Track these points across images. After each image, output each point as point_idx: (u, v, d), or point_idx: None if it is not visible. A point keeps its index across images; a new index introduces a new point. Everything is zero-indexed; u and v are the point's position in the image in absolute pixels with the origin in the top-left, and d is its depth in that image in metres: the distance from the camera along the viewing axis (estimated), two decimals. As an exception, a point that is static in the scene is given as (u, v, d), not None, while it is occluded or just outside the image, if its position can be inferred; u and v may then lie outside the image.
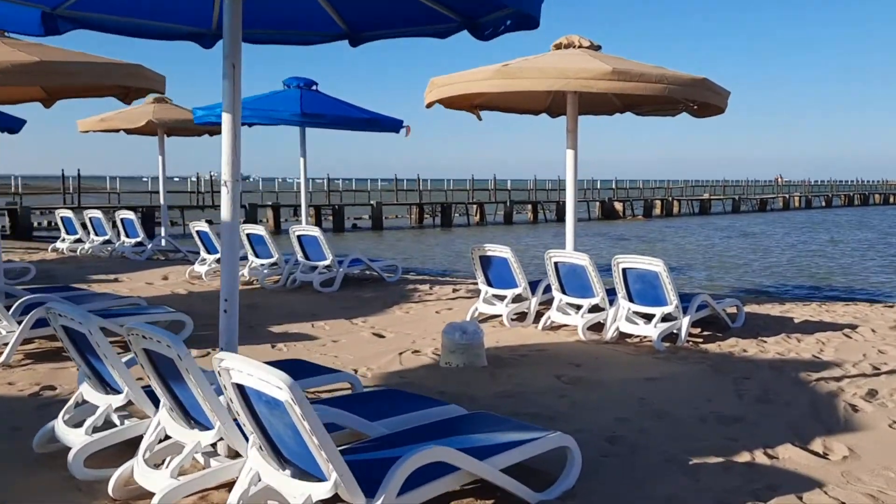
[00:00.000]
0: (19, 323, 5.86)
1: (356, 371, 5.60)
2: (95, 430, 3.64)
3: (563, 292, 7.30)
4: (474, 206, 41.24)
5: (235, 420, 3.10)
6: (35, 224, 28.47)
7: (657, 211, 50.82)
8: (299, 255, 9.87)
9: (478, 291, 7.93)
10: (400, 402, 4.04)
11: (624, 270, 6.77)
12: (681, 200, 53.86)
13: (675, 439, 4.21)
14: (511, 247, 7.56)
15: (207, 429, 3.22)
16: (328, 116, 9.87)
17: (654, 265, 6.52)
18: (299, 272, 9.69)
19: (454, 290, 9.53)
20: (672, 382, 5.44)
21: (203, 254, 10.87)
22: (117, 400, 3.73)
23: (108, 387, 3.84)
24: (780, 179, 77.38)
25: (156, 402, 3.52)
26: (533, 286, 7.67)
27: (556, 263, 7.24)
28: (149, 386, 3.57)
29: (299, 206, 35.23)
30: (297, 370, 4.70)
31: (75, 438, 3.60)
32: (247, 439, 3.05)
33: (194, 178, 41.46)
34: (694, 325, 7.10)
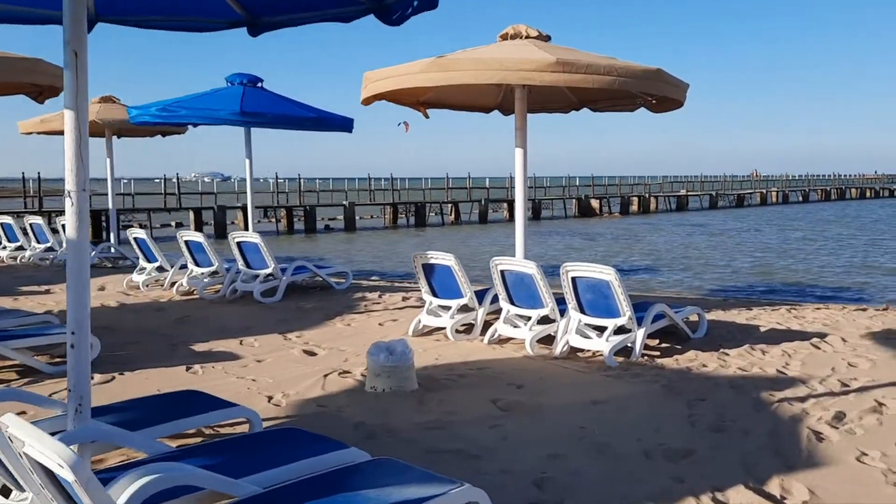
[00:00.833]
0: None
1: (271, 398, 5.02)
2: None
3: (511, 303, 6.76)
4: (449, 206, 40.68)
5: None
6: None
7: (634, 208, 50.55)
8: (240, 263, 9.25)
9: (426, 301, 7.38)
10: (292, 447, 3.47)
11: (573, 279, 6.24)
12: (658, 197, 53.64)
13: (612, 482, 3.67)
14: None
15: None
16: (270, 115, 9.27)
17: (605, 273, 5.99)
18: (240, 281, 9.08)
19: (403, 299, 8.96)
20: (619, 406, 4.90)
21: (142, 262, 10.23)
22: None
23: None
24: (756, 174, 77.57)
25: None
26: (481, 295, 7.12)
27: (502, 272, 6.69)
28: None
29: (272, 207, 34.51)
30: (191, 404, 4.13)
31: None
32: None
33: (173, 179, 40.44)
34: (652, 336, 6.60)
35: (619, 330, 6.17)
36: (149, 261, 10.08)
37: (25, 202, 29.96)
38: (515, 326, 6.69)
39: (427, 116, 8.18)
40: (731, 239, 29.84)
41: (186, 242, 9.46)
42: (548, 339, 6.53)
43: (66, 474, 2.02)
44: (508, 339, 6.72)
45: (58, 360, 5.80)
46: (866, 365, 5.88)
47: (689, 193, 58.01)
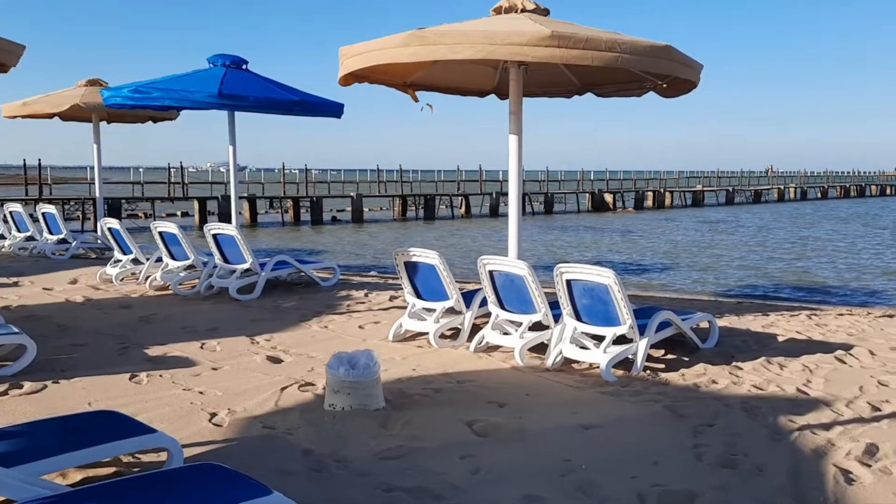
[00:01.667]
0: None
1: (213, 416, 4.39)
2: None
3: (501, 307, 6.10)
4: (459, 199, 39.97)
5: None
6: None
7: (649, 203, 49.64)
8: (217, 258, 8.63)
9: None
10: (203, 492, 2.83)
11: (568, 282, 5.56)
12: (673, 192, 52.64)
13: (595, 537, 3.01)
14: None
15: None
16: (251, 98, 8.61)
17: (604, 277, 5.30)
18: (216, 277, 8.46)
19: (391, 299, 8.30)
20: (614, 433, 4.23)
21: (117, 254, 9.64)
22: None
23: None
24: (771, 170, 76.19)
25: None
26: (469, 297, 6.45)
27: (490, 272, 6.02)
28: None
29: (277, 197, 34.03)
30: (101, 429, 3.50)
31: None
32: None
33: (192, 168, 39.89)
34: (656, 346, 5.92)
35: (620, 340, 5.50)
36: (123, 252, 9.49)
37: (26, 190, 29.54)
38: (505, 333, 6.03)
39: (416, 100, 7.51)
40: (748, 236, 28.97)
41: (161, 234, 8.85)
42: (541, 348, 5.87)
43: None
44: (497, 348, 6.06)
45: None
46: (900, 384, 5.17)
47: (704, 189, 56.93)
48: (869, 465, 3.76)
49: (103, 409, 4.48)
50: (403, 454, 3.85)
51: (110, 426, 3.47)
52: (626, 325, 5.39)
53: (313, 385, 5.03)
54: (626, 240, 27.24)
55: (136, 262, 9.37)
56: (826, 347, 6.22)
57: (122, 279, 9.27)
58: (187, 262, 8.75)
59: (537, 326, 5.89)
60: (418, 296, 6.57)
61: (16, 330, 5.40)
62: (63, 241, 12.15)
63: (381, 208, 40.55)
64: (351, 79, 6.46)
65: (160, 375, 5.26)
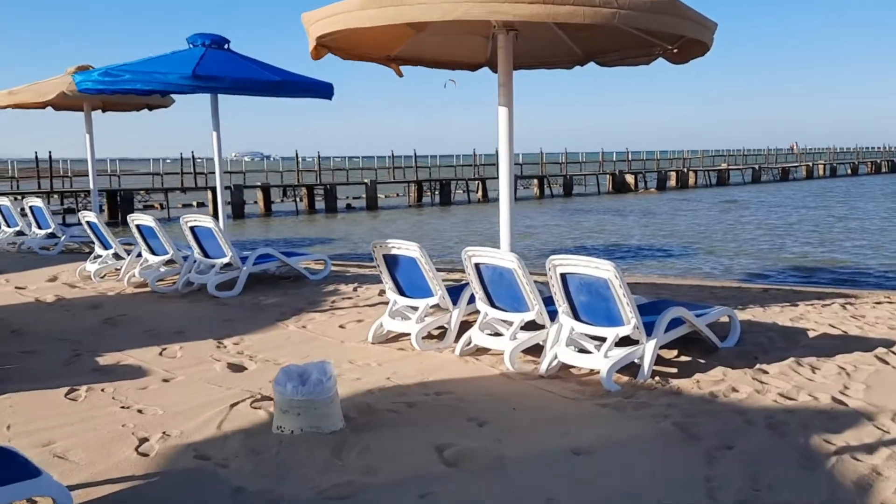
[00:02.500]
0: None
1: (143, 443, 3.77)
2: None
3: (491, 304, 5.41)
4: (476, 183, 39.18)
5: None
6: None
7: (672, 183, 48.48)
8: (196, 252, 8.03)
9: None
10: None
11: (563, 276, 4.86)
12: (697, 171, 51.35)
13: None
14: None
15: None
16: (228, 79, 7.96)
17: (602, 269, 4.59)
18: (194, 272, 7.86)
19: (381, 293, 7.64)
20: (610, 460, 3.54)
21: (97, 249, 9.09)
22: None
23: None
24: (795, 147, 74.18)
25: None
26: (457, 293, 5.77)
27: (477, 265, 5.33)
28: None
29: (291, 185, 33.55)
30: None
31: None
32: None
33: (198, 158, 39.44)
34: (669, 346, 5.20)
35: (624, 341, 4.79)
36: (104, 247, 8.93)
37: (39, 183, 29.32)
38: (495, 334, 5.34)
39: (400, 74, 6.82)
40: (775, 216, 27.93)
41: (138, 227, 8.27)
42: (537, 350, 5.18)
43: None
44: (487, 350, 5.38)
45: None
46: (954, 391, 4.41)
47: (730, 167, 55.50)
48: (925, 504, 3.04)
49: (21, 432, 3.91)
50: (353, 493, 3.20)
51: (7, 468, 2.85)
52: (629, 325, 4.68)
53: (270, 400, 4.39)
54: (645, 222, 26.36)
55: (117, 257, 8.81)
56: (865, 344, 5.45)
57: (104, 276, 8.72)
58: (166, 257, 8.16)
59: (532, 326, 5.21)
60: (401, 292, 5.91)
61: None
62: (52, 235, 11.66)
63: (396, 195, 39.92)
64: (323, 50, 5.77)
65: (102, 390, 4.66)
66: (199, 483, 3.31)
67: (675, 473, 3.37)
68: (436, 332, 5.84)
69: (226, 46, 8.88)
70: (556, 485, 3.26)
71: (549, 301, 5.16)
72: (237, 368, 5.14)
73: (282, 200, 36.37)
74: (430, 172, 41.23)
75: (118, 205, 28.16)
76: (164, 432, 3.89)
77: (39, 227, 11.84)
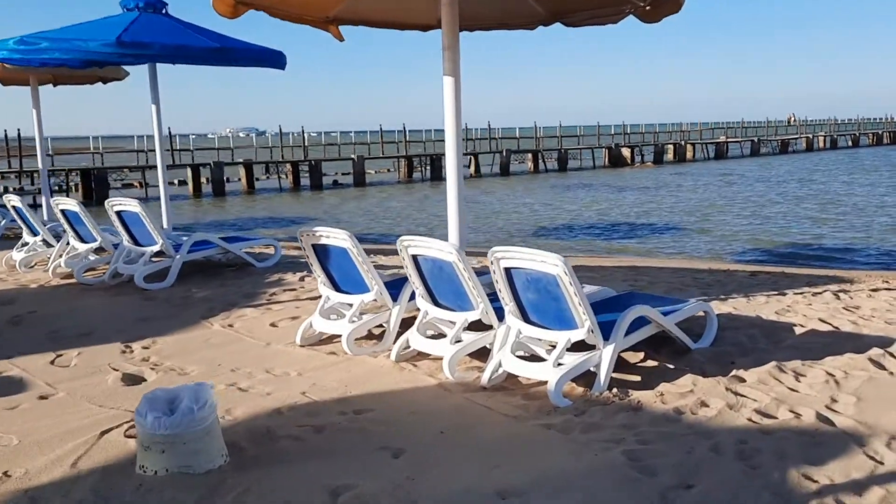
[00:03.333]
0: None
1: (-25, 485, 3.09)
2: None
3: (434, 301, 4.72)
4: (468, 158, 38.33)
5: None
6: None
7: (669, 156, 47.64)
8: (125, 239, 7.32)
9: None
10: None
11: (508, 271, 4.15)
12: (695, 145, 50.45)
13: None
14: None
15: None
16: (157, 46, 7.21)
17: (550, 264, 3.88)
18: (122, 262, 7.16)
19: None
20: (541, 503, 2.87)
21: (25, 235, 8.38)
22: None
23: None
24: (792, 118, 73.03)
25: None
26: (397, 288, 5.07)
27: (414, 257, 4.63)
28: None
29: (274, 162, 32.71)
30: None
31: None
32: None
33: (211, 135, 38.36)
34: (638, 346, 4.51)
35: (581, 346, 4.10)
36: (32, 234, 8.22)
37: (9, 162, 28.48)
38: (439, 335, 4.66)
39: (341, 38, 6.08)
40: (774, 192, 27.21)
41: (63, 213, 7.55)
42: (486, 354, 4.50)
43: None
44: (427, 355, 4.69)
45: None
46: (963, 405, 3.73)
47: (728, 140, 54.56)
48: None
49: None
50: (207, 559, 2.53)
51: None
52: (583, 329, 3.98)
53: (155, 422, 3.71)
54: (637, 198, 25.64)
55: (47, 244, 8.10)
56: (858, 343, 4.76)
57: (33, 265, 8.02)
58: (94, 245, 7.45)
59: (482, 326, 4.52)
60: (335, 287, 5.21)
61: None
62: (-8, 219, 10.92)
63: (388, 170, 39.09)
64: (242, 7, 5.03)
65: (-38, 410, 3.98)
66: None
67: (616, 528, 2.70)
68: (378, 332, 5.16)
69: (164, 11, 8.12)
70: (465, 547, 2.59)
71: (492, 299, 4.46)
72: (133, 381, 4.46)
73: (267, 177, 35.57)
74: (424, 147, 40.33)
75: (92, 184, 27.29)
76: (4, 472, 3.21)
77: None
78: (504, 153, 39.00)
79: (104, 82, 12.62)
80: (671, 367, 4.41)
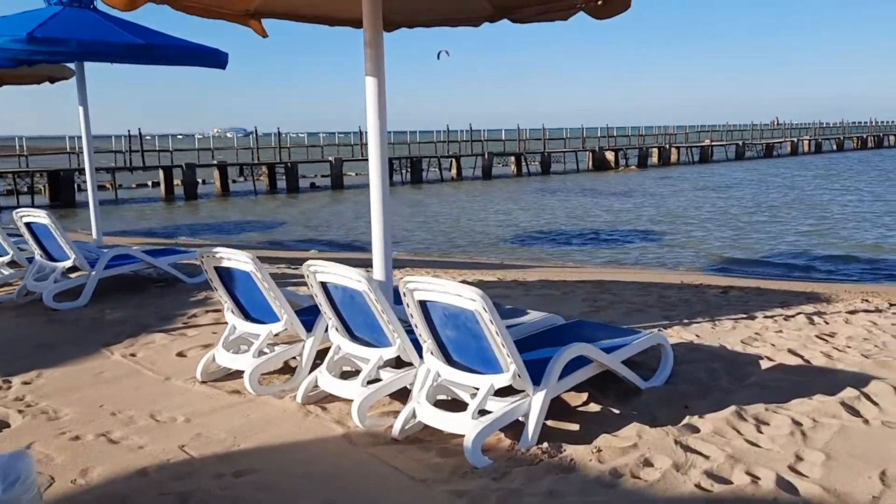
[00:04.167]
0: None
1: None
2: None
3: (349, 335, 4.13)
4: (450, 160, 37.75)
5: None
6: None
7: (654, 160, 47.25)
8: (38, 254, 6.68)
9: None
10: None
11: (422, 305, 3.56)
12: (680, 148, 50.11)
13: None
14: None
15: None
16: (73, 43, 6.57)
17: (466, 299, 3.30)
18: (31, 278, 6.51)
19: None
20: None
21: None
22: None
23: None
24: (776, 122, 72.97)
25: None
26: (312, 317, 4.47)
27: (323, 284, 4.03)
28: None
29: (248, 164, 32.02)
30: None
31: None
32: None
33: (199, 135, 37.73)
34: (583, 385, 3.92)
35: (506, 390, 3.52)
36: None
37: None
38: (356, 372, 4.06)
39: (264, 35, 5.47)
40: (758, 197, 26.83)
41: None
42: (408, 394, 3.91)
43: None
44: (336, 399, 4.09)
45: None
46: (948, 467, 3.18)
47: (713, 143, 54.26)
48: None
49: None
50: None
51: None
52: (508, 373, 3.40)
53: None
54: (618, 204, 25.16)
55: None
56: (830, 381, 4.20)
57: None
58: (5, 259, 6.80)
59: (400, 364, 3.93)
60: (244, 314, 4.61)
61: None
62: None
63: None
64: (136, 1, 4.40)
65: None
66: None
67: None
68: (294, 364, 4.56)
69: (91, 6, 7.50)
70: None
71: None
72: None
73: (244, 179, 34.84)
74: (409, 149, 39.64)
75: (59, 186, 26.42)
76: None
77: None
78: (486, 156, 38.43)
79: (51, 81, 11.97)
80: (616, 412, 3.83)
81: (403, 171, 35.67)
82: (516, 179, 37.98)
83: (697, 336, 5.20)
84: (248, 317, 4.60)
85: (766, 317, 5.86)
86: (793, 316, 5.88)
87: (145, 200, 27.43)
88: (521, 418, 3.51)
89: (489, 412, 3.49)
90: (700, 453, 3.34)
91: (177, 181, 29.24)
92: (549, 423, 3.64)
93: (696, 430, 3.59)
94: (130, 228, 19.96)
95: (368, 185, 4.53)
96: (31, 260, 6.79)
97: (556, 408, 3.76)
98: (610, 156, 44.52)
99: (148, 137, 42.33)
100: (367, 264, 4.72)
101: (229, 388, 4.34)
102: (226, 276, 4.49)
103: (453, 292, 3.34)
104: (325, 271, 3.95)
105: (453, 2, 5.34)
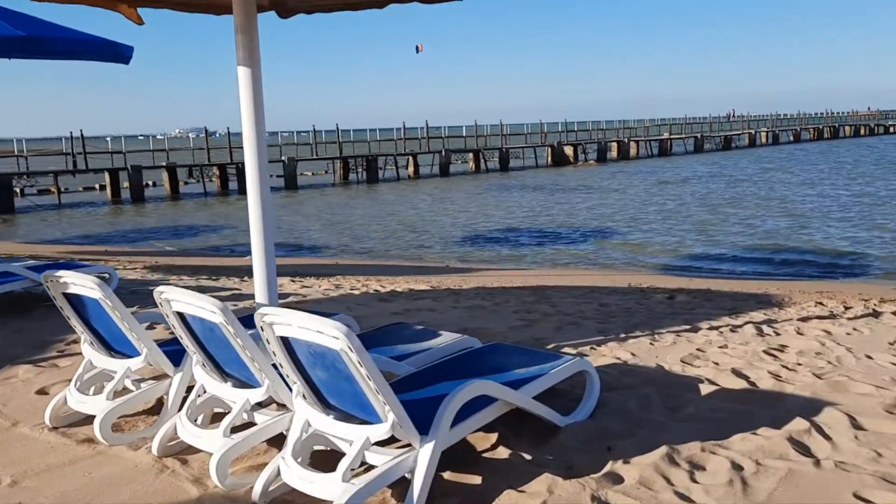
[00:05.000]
0: None
1: None
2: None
3: (219, 372, 3.48)
4: (406, 158, 37.07)
5: None
6: None
7: (613, 154, 47.10)
8: None
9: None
10: None
11: (285, 341, 2.94)
12: (639, 142, 50.07)
13: None
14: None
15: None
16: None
17: (329, 336, 2.68)
18: None
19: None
20: None
21: None
22: None
23: None
24: (732, 114, 73.63)
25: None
26: (180, 351, 3.81)
27: (180, 314, 3.38)
28: None
29: (198, 165, 31.05)
30: None
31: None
32: None
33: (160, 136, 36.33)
34: (493, 423, 3.34)
35: (389, 440, 2.91)
36: None
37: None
38: (215, 424, 3.42)
39: (140, 22, 4.80)
40: (717, 191, 26.68)
41: None
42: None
43: None
44: (195, 450, 3.44)
45: None
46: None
47: (672, 137, 54.36)
48: None
49: None
50: None
51: None
52: (387, 423, 2.79)
53: None
54: (574, 200, 24.77)
55: None
56: (778, 410, 3.68)
57: None
58: None
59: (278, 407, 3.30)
60: (108, 348, 3.94)
61: None
62: None
63: (324, 171, 37.55)
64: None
65: None
66: None
67: None
68: (147, 411, 3.90)
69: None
70: None
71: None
72: None
73: (196, 181, 33.76)
74: (366, 148, 38.82)
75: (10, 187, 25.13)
76: None
77: None
78: (444, 153, 37.83)
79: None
80: (528, 457, 3.25)
81: (359, 170, 34.90)
82: (474, 176, 37.43)
83: (633, 354, 4.65)
84: (111, 350, 3.93)
85: (711, 328, 5.35)
86: (740, 326, 5.38)
87: (90, 204, 26.32)
88: (407, 475, 2.90)
89: (374, 466, 2.89)
90: (620, 512, 2.78)
91: (126, 184, 28.15)
92: (447, 475, 3.05)
93: (618, 479, 3.02)
94: (65, 236, 18.98)
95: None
96: None
97: (458, 453, 3.18)
98: (569, 150, 44.23)
99: (101, 139, 40.97)
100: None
101: (82, 437, 3.67)
102: (77, 303, 3.82)
103: (314, 328, 2.72)
104: (178, 300, 3.29)
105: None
